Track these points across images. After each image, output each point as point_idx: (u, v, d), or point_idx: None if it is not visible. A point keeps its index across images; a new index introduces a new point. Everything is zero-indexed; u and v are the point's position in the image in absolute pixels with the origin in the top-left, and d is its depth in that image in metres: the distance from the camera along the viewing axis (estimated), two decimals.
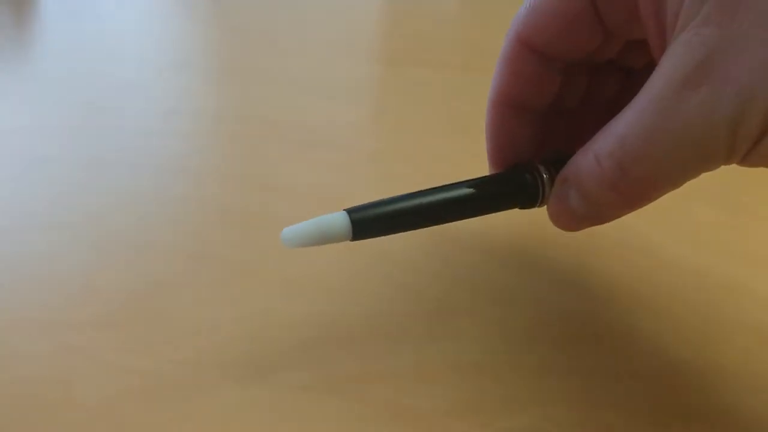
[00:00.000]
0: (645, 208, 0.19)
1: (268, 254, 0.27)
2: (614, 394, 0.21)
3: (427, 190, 0.21)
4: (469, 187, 0.21)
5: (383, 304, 0.25)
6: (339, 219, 0.19)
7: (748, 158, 0.16)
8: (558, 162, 0.20)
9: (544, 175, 0.21)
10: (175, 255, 0.27)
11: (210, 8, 0.58)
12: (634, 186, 0.17)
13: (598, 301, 0.25)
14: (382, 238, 0.29)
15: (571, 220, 0.20)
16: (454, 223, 0.29)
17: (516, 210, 0.23)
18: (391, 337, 0.23)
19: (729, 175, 0.27)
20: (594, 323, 0.24)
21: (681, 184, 0.17)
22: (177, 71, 0.48)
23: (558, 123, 0.23)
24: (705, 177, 0.18)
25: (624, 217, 0.19)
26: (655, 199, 0.18)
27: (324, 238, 0.19)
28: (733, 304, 0.18)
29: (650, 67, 0.17)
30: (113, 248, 0.28)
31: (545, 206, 0.21)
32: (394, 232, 0.21)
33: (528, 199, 0.21)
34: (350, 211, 0.20)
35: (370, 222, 0.20)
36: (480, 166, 0.28)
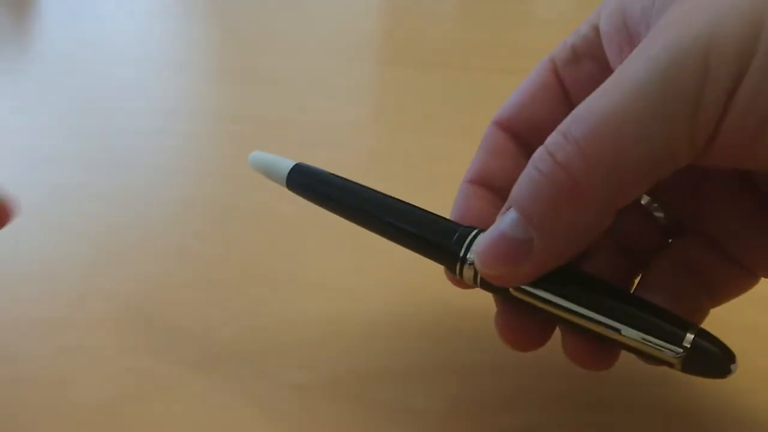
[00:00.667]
0: None
1: (268, 254, 0.27)
2: (614, 394, 0.21)
3: (374, 192, 0.20)
4: (406, 214, 0.19)
5: (383, 304, 0.25)
6: (285, 165, 0.21)
7: (724, 125, 0.13)
8: None
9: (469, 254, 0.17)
10: (175, 255, 0.27)
11: (210, 8, 0.58)
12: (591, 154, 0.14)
13: None
14: (382, 239, 0.29)
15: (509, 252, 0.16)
16: None
17: None
18: (391, 337, 0.23)
19: None
20: None
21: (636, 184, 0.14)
22: (177, 71, 0.48)
23: None
24: None
25: None
26: (607, 191, 0.15)
27: (267, 172, 0.22)
28: (730, 305, 0.18)
29: None
30: (113, 248, 0.28)
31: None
32: (320, 206, 0.21)
33: (447, 259, 0.18)
34: (298, 166, 0.21)
35: (303, 183, 0.21)
36: None
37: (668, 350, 0.15)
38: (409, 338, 0.23)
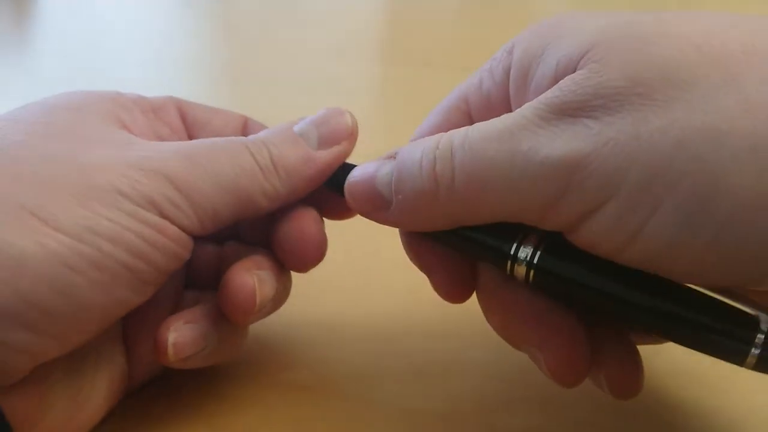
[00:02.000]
0: None
1: None
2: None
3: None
4: None
5: (383, 304, 0.25)
6: None
7: (580, 229, 0.15)
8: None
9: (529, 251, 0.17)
10: None
11: (210, 9, 0.58)
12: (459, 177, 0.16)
13: None
14: (381, 238, 0.29)
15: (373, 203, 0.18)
16: None
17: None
18: (391, 338, 0.23)
19: None
20: None
21: (494, 209, 0.16)
22: (177, 71, 0.48)
23: None
24: None
25: None
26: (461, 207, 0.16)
27: None
28: None
29: None
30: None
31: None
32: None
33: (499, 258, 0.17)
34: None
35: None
36: None
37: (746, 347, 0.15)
38: (409, 338, 0.23)
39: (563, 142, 0.14)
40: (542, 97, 0.15)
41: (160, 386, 0.21)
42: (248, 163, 0.18)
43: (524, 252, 0.16)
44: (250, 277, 0.18)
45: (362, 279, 0.26)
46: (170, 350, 0.17)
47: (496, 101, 0.18)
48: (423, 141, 0.17)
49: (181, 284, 0.21)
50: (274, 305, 0.20)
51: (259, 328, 0.24)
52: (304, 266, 0.20)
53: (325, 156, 0.19)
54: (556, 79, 0.15)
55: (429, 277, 0.19)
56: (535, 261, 0.16)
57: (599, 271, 0.16)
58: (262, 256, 0.19)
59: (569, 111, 0.14)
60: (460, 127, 0.17)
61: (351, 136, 0.20)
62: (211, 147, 0.18)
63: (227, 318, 0.18)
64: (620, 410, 0.21)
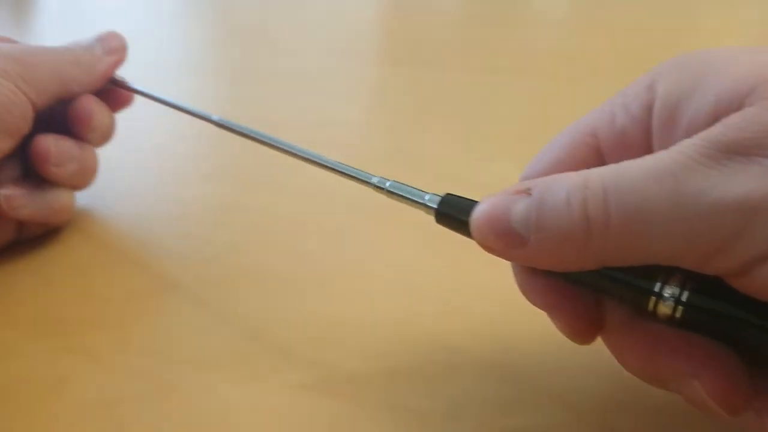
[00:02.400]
0: None
1: (268, 254, 0.27)
2: (615, 394, 0.21)
3: None
4: None
5: (383, 304, 0.25)
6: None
7: (751, 274, 0.14)
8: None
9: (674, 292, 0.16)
10: (175, 255, 0.27)
11: (210, 9, 0.58)
12: (611, 221, 0.15)
13: None
14: (381, 238, 0.29)
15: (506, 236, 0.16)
16: None
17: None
18: (391, 337, 0.23)
19: None
20: None
21: (651, 254, 0.15)
22: (177, 71, 0.48)
23: None
24: None
25: None
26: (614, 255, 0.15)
27: None
28: None
29: None
30: (113, 248, 0.28)
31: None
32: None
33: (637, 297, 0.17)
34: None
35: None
36: (480, 166, 0.28)
37: None
38: (410, 338, 0.23)
39: (738, 183, 0.14)
40: (704, 135, 0.14)
41: (159, 386, 0.21)
42: (69, 60, 0.27)
43: (670, 290, 0.16)
44: (47, 138, 0.26)
45: (362, 279, 0.26)
46: (2, 202, 0.25)
47: (633, 138, 0.17)
48: (564, 178, 0.16)
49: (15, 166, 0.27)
50: (80, 176, 0.28)
51: (259, 328, 0.24)
52: (89, 130, 0.28)
53: (109, 59, 0.30)
54: (715, 116, 0.15)
55: (552, 316, 0.18)
56: (684, 299, 0.16)
57: (758, 309, 0.15)
58: (62, 136, 0.27)
59: (740, 149, 0.14)
60: (588, 162, 0.16)
61: (123, 48, 0.31)
62: (48, 48, 0.28)
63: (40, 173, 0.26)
64: (620, 410, 0.21)
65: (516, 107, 0.42)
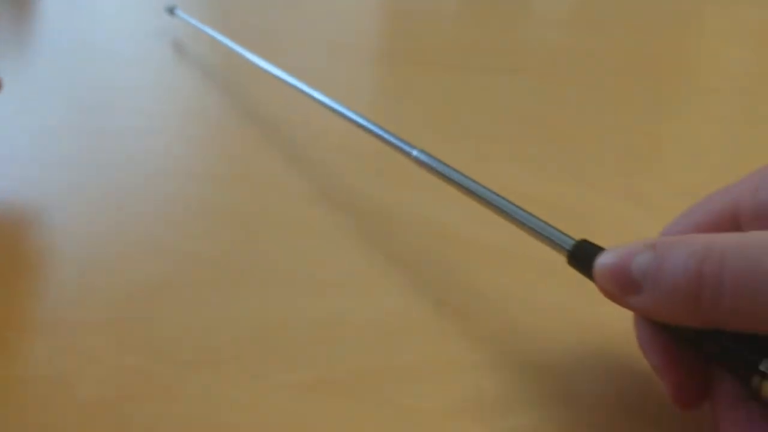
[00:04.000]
0: None
1: (268, 254, 0.27)
2: (615, 394, 0.21)
3: None
4: None
5: (383, 304, 0.25)
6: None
7: None
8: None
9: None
10: (175, 255, 0.27)
11: (210, 8, 0.58)
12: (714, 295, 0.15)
13: (598, 301, 0.25)
14: (381, 237, 0.29)
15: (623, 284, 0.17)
16: (454, 224, 0.29)
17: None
18: (391, 337, 0.23)
19: None
20: (595, 323, 0.24)
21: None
22: (177, 71, 0.48)
23: None
24: None
25: None
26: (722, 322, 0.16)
27: None
28: None
29: None
30: (113, 248, 0.28)
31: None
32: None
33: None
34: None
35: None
36: (480, 166, 0.28)
37: None
38: (409, 338, 0.23)
39: None
40: None
41: (159, 386, 0.21)
42: None
43: None
44: None
45: (362, 279, 0.26)
46: None
47: None
48: (690, 238, 0.16)
49: None
50: None
51: (259, 328, 0.24)
52: None
53: None
54: None
55: (661, 377, 0.18)
56: None
57: None
58: None
59: None
60: (723, 230, 0.17)
61: None
62: None
63: None
64: (620, 410, 0.21)
65: (516, 107, 0.42)
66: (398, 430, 0.20)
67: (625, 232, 0.28)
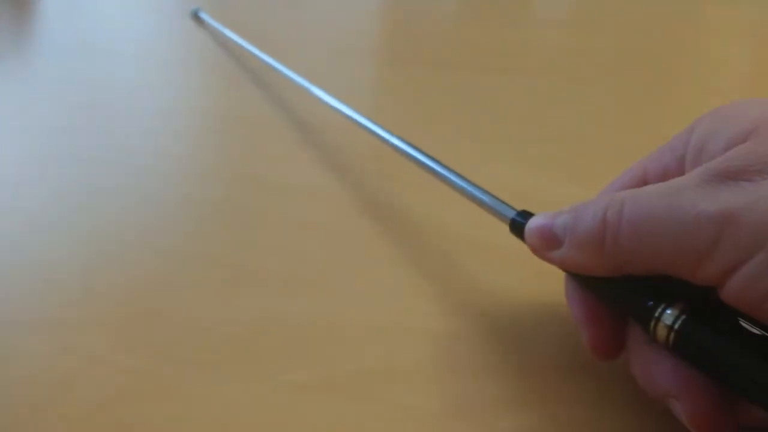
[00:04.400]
0: None
1: (268, 254, 0.27)
2: (615, 394, 0.21)
3: None
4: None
5: (383, 304, 0.25)
6: None
7: (728, 283, 0.16)
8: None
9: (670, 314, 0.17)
10: (175, 255, 0.27)
11: (210, 8, 0.58)
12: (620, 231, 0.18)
13: None
14: (381, 237, 0.29)
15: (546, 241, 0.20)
16: (454, 223, 0.29)
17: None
18: (391, 337, 0.23)
19: None
20: None
21: (652, 264, 0.17)
22: (177, 71, 0.48)
23: None
24: None
25: None
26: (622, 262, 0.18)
27: None
28: None
29: None
30: (113, 248, 0.28)
31: None
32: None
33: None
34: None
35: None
36: (480, 167, 0.28)
37: None
38: (409, 338, 0.23)
39: (719, 199, 0.16)
40: (710, 164, 0.17)
41: (159, 386, 0.21)
42: None
43: (669, 316, 0.17)
44: None
45: (362, 279, 0.26)
46: None
47: (672, 173, 0.20)
48: (600, 197, 0.19)
49: None
50: None
51: (259, 328, 0.24)
52: None
53: None
54: (725, 152, 0.17)
55: (583, 329, 0.20)
56: (676, 326, 0.17)
57: (742, 349, 0.16)
58: None
59: (730, 174, 0.16)
60: None
61: None
62: None
63: None
64: (620, 410, 0.21)
65: (516, 107, 0.42)
66: (398, 430, 0.20)
67: None
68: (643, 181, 0.21)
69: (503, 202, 0.23)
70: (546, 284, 0.26)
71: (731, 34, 0.59)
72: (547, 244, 0.20)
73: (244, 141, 0.37)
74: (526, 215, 0.22)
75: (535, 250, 0.21)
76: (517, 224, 0.22)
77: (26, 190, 0.32)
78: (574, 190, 0.32)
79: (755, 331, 0.17)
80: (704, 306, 0.17)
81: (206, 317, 0.24)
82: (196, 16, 0.56)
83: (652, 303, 0.18)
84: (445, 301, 0.25)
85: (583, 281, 0.20)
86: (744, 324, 0.17)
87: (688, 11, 0.65)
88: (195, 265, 0.27)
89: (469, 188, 0.24)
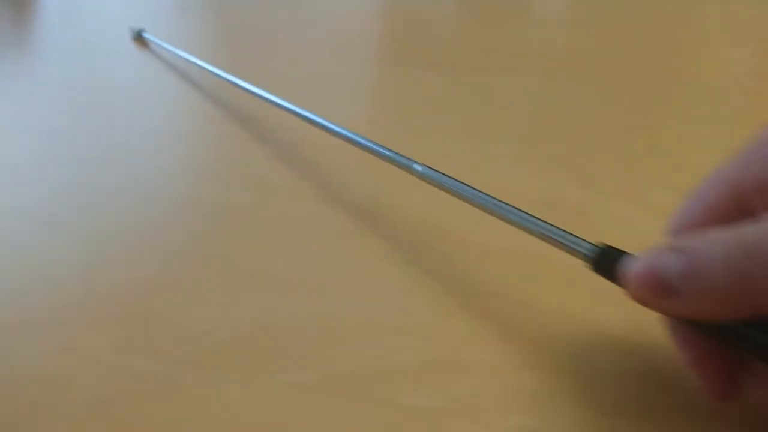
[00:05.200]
0: None
1: (268, 254, 0.27)
2: (615, 393, 0.21)
3: None
4: None
5: (383, 304, 0.25)
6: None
7: None
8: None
9: None
10: (175, 255, 0.27)
11: (210, 8, 0.58)
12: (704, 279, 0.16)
13: (598, 301, 0.25)
14: (381, 237, 0.29)
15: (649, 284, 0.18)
16: (453, 222, 0.29)
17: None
18: (390, 337, 0.23)
19: None
20: (595, 322, 0.24)
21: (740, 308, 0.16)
22: (177, 71, 0.48)
23: None
24: None
25: None
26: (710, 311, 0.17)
27: None
28: None
29: None
30: (113, 248, 0.28)
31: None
32: None
33: None
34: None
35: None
36: (480, 167, 0.28)
37: None
38: (409, 338, 0.23)
39: None
40: None
41: (159, 386, 0.21)
42: None
43: None
44: None
45: (362, 279, 0.26)
46: None
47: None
48: (714, 233, 0.17)
49: None
50: None
51: (259, 328, 0.24)
52: None
53: None
54: None
55: (697, 372, 0.19)
56: None
57: None
58: None
59: None
60: (730, 213, 0.18)
61: None
62: None
63: None
64: (619, 410, 0.21)
65: (516, 107, 0.42)
66: (398, 430, 0.20)
67: (625, 232, 0.28)
68: (735, 196, 0.19)
69: (576, 236, 0.21)
70: (547, 284, 0.26)
71: (731, 34, 0.59)
72: (659, 295, 0.18)
73: (245, 141, 0.37)
74: (611, 253, 0.19)
75: (642, 302, 0.18)
76: (603, 264, 0.20)
77: (26, 190, 0.32)
78: (574, 190, 0.32)
79: None
80: None
81: (206, 317, 0.24)
82: (139, 36, 0.54)
83: None
84: (445, 301, 0.25)
85: (698, 325, 0.19)
86: None
87: (687, 11, 0.65)
88: (195, 265, 0.27)
89: (537, 224, 0.21)
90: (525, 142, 0.37)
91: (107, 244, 0.28)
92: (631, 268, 0.18)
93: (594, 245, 0.20)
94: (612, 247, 0.20)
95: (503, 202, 0.23)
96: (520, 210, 0.22)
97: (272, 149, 0.36)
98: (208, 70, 0.41)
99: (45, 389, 0.21)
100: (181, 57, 0.46)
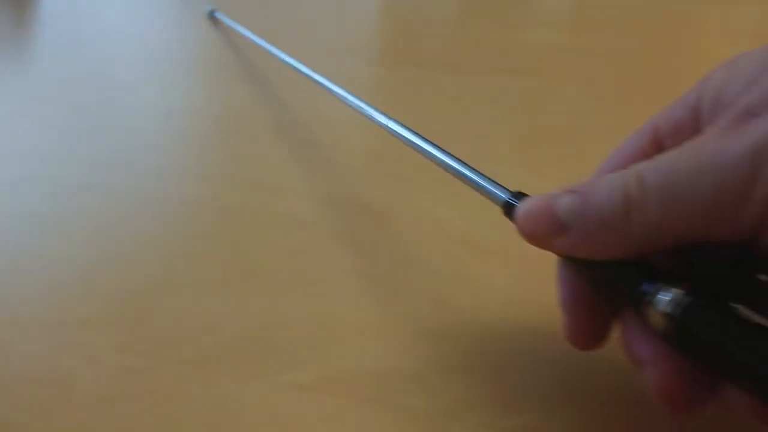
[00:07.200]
0: None
1: (268, 254, 0.28)
2: (615, 393, 0.21)
3: None
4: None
5: (383, 305, 0.25)
6: None
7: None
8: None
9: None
10: (175, 255, 0.27)
11: (211, 6, 0.58)
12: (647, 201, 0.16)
13: None
14: (381, 238, 0.29)
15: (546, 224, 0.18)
16: (456, 224, 0.29)
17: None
18: (390, 337, 0.23)
19: None
20: None
21: (688, 227, 0.16)
22: (177, 71, 0.48)
23: None
24: None
25: None
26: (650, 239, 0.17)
27: None
28: None
29: None
30: (113, 248, 0.28)
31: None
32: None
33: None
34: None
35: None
36: (480, 166, 0.28)
37: None
38: (409, 338, 0.23)
39: (747, 137, 0.15)
40: (729, 108, 0.16)
41: (159, 386, 0.21)
42: None
43: (665, 302, 0.16)
44: None
45: (362, 279, 0.26)
46: None
47: (685, 125, 0.19)
48: (606, 176, 0.17)
49: None
50: None
51: (259, 328, 0.24)
52: None
53: None
54: (743, 94, 0.17)
55: (566, 309, 0.19)
56: (672, 312, 0.16)
57: (738, 342, 0.15)
58: None
59: (754, 110, 0.15)
60: (650, 155, 0.18)
61: None
62: None
63: None
64: (619, 410, 0.21)
65: (516, 107, 0.42)
66: (398, 430, 0.20)
67: None
68: (655, 139, 0.20)
69: (497, 183, 0.21)
70: (547, 284, 0.26)
71: (731, 34, 0.59)
72: (549, 231, 0.18)
73: (245, 141, 0.37)
74: (520, 197, 0.20)
75: (532, 238, 0.18)
76: (512, 206, 0.20)
77: (27, 190, 0.32)
78: None
79: (756, 319, 0.16)
80: (702, 289, 0.16)
81: (206, 317, 0.24)
82: (212, 17, 0.56)
83: (649, 287, 0.16)
84: (445, 302, 0.25)
85: (584, 265, 0.19)
86: (742, 311, 0.16)
87: (687, 11, 0.65)
88: (195, 265, 0.27)
89: (460, 168, 0.22)
90: (524, 142, 0.37)
91: (108, 244, 0.28)
92: (525, 206, 0.19)
93: (507, 190, 0.20)
94: (522, 192, 0.20)
95: (437, 145, 0.25)
96: (452, 154, 0.23)
97: (274, 149, 0.36)
98: (278, 57, 0.41)
99: (45, 389, 0.21)
100: (249, 39, 0.47)
